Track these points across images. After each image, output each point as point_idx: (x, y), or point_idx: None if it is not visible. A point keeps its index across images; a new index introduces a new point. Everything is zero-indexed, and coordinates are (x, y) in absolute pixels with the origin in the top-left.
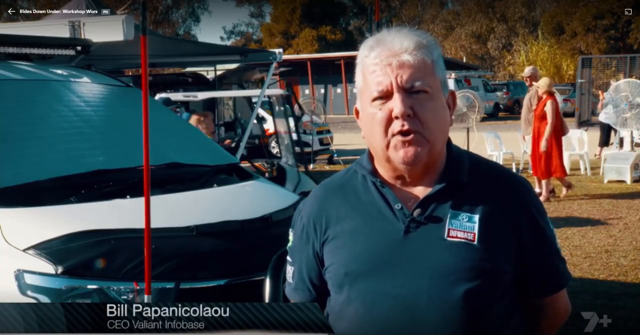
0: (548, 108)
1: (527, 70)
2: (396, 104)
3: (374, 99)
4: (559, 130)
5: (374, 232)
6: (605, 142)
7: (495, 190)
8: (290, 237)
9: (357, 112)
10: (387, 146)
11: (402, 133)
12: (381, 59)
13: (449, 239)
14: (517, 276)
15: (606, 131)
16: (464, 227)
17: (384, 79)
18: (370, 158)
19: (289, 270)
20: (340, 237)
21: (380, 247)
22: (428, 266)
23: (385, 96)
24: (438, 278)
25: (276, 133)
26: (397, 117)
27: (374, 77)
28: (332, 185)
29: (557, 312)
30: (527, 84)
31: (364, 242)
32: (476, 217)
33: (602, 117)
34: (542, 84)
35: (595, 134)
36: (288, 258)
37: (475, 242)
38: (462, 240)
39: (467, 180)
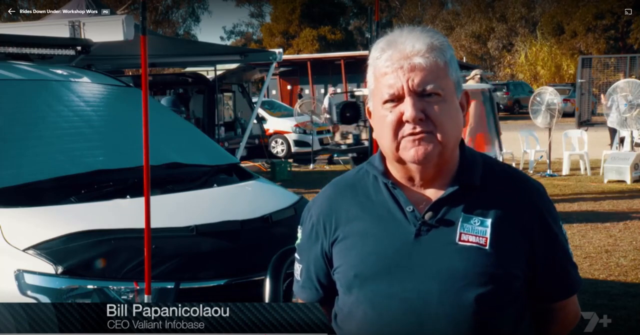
0: None
1: (472, 72)
2: (407, 108)
3: (385, 102)
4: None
5: (384, 234)
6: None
7: (507, 193)
8: (299, 235)
9: (369, 113)
10: (397, 148)
11: (413, 134)
12: (392, 62)
13: (460, 243)
14: (528, 281)
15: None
16: (476, 232)
17: (395, 82)
18: (382, 159)
19: (297, 267)
20: (350, 238)
21: (391, 249)
22: (438, 270)
23: (397, 99)
24: (448, 282)
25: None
26: (408, 121)
27: (385, 80)
28: (343, 184)
29: (567, 318)
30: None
31: (374, 244)
32: (488, 221)
33: (608, 121)
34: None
35: (595, 134)
36: (296, 255)
37: (487, 247)
38: (474, 244)
39: (480, 183)
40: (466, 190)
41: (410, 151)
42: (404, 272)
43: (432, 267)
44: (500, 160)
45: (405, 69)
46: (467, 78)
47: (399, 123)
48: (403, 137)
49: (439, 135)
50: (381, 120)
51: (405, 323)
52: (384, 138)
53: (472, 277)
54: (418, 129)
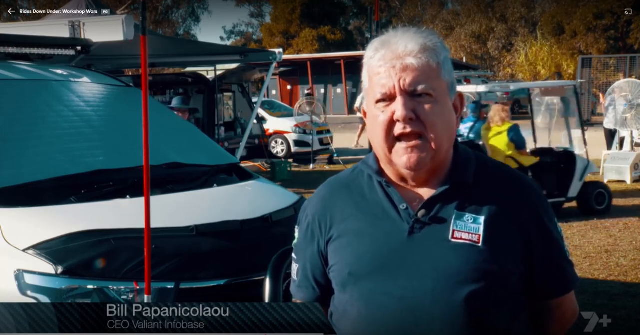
0: None
1: None
2: (398, 107)
3: (378, 101)
4: None
5: (379, 233)
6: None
7: (501, 191)
8: (296, 234)
9: (364, 113)
10: (390, 149)
11: (405, 136)
12: (385, 61)
13: (453, 240)
14: (523, 278)
15: (611, 136)
16: (469, 229)
17: (387, 82)
18: (377, 158)
19: (294, 267)
20: (345, 237)
21: (385, 247)
22: (432, 267)
23: (389, 98)
24: (442, 279)
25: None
26: (398, 120)
27: (377, 79)
28: (338, 184)
29: (565, 316)
30: None
31: (369, 243)
32: (481, 219)
33: (605, 121)
34: None
35: (595, 134)
36: (293, 255)
37: (480, 244)
38: (467, 241)
39: (473, 181)
40: (459, 188)
41: (403, 158)
42: (397, 270)
43: (426, 265)
44: (585, 156)
45: (397, 68)
46: None
47: (391, 123)
48: (395, 137)
49: (429, 137)
50: (374, 119)
51: (399, 320)
52: (376, 138)
53: (466, 274)
54: (408, 129)
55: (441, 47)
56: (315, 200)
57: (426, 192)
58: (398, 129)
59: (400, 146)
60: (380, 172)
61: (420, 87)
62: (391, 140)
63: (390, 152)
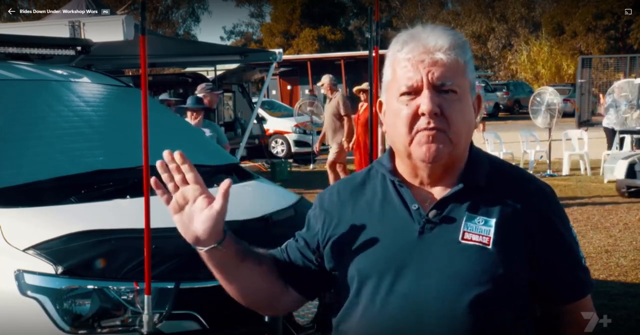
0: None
1: (324, 78)
2: (424, 101)
3: (402, 94)
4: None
5: (389, 232)
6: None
7: (512, 194)
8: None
9: (380, 106)
10: (410, 142)
11: (427, 130)
12: (414, 55)
13: (463, 241)
14: (531, 282)
15: (612, 136)
16: (480, 231)
17: (414, 75)
18: (391, 157)
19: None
20: (354, 235)
21: (394, 247)
22: (439, 268)
23: (414, 92)
24: (448, 280)
25: None
26: (423, 114)
27: (404, 72)
28: (353, 182)
29: (581, 322)
30: (326, 93)
31: (378, 242)
32: (492, 221)
33: (605, 122)
34: (365, 87)
35: (595, 134)
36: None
37: (490, 246)
38: (477, 243)
39: (486, 183)
40: (471, 190)
41: (422, 148)
42: (405, 270)
43: (433, 265)
44: None
45: (426, 63)
46: (318, 84)
47: (415, 117)
48: (418, 131)
49: (451, 134)
50: (395, 113)
51: (403, 320)
52: (397, 132)
53: (472, 276)
54: (432, 125)
55: (468, 46)
56: (328, 196)
57: (438, 193)
58: (422, 123)
59: (421, 135)
60: (394, 171)
61: (448, 83)
62: (413, 134)
63: (411, 144)
